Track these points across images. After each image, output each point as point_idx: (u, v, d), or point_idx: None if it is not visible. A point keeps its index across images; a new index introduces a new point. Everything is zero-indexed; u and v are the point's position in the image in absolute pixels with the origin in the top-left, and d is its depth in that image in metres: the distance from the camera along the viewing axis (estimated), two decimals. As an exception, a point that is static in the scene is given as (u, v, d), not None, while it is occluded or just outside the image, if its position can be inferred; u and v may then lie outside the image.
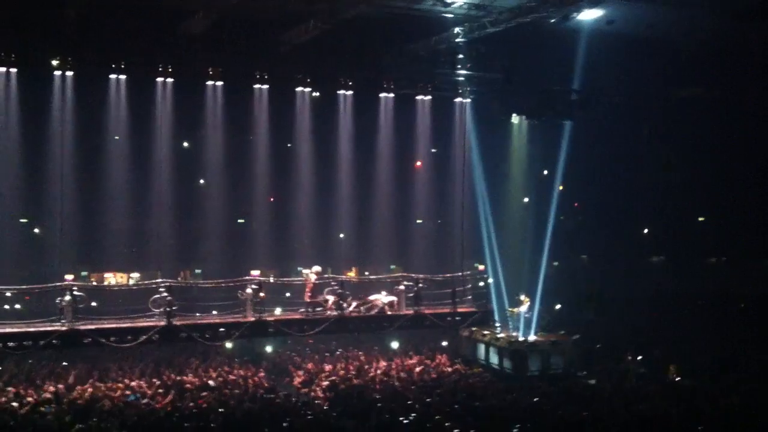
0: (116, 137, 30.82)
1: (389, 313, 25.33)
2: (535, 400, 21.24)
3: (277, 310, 24.70)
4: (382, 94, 30.77)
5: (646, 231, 32.05)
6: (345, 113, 32.64)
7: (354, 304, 25.01)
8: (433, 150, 35.35)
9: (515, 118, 31.07)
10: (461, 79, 29.13)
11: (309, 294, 24.39)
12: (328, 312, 24.45)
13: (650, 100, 29.54)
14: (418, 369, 25.60)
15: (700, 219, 30.66)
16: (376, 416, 18.87)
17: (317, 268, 25.05)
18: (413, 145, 34.57)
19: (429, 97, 31.40)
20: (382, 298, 25.43)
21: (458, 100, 31.20)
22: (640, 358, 26.43)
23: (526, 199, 30.53)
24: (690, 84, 29.32)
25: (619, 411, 19.69)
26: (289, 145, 33.99)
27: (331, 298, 24.58)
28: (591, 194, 31.52)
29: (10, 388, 21.88)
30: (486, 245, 30.32)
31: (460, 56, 27.31)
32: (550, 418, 18.99)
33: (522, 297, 27.38)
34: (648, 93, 29.36)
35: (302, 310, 24.55)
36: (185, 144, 32.08)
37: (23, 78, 26.49)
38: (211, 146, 32.42)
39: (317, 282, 24.66)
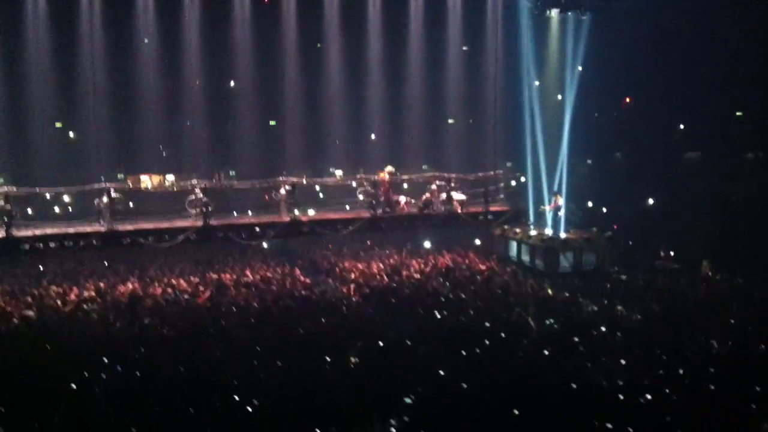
0: (145, 40, 30.73)
1: (460, 211, 25.12)
2: (566, 295, 21.44)
3: (311, 211, 24.86)
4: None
5: (682, 127, 31.48)
6: (374, 11, 32.11)
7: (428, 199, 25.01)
8: (464, 48, 34.78)
9: (551, 12, 30.23)
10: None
11: (384, 193, 24.28)
12: (402, 211, 24.47)
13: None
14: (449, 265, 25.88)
15: (738, 114, 29.96)
16: (411, 313, 19.21)
17: (390, 168, 24.94)
18: (444, 41, 34.06)
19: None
20: (456, 196, 25.34)
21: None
22: (672, 254, 26.48)
23: (559, 97, 29.99)
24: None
25: (651, 306, 19.85)
26: (318, 45, 33.62)
27: (403, 199, 24.60)
28: (627, 90, 30.89)
29: (53, 287, 22.51)
30: (519, 144, 30.07)
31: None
32: (582, 313, 19.20)
33: (555, 195, 27.29)
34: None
35: (372, 209, 24.44)
36: (214, 45, 31.81)
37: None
38: (240, 47, 32.23)
39: (391, 181, 24.51)
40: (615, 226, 27.01)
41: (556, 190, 27.45)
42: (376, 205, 23.83)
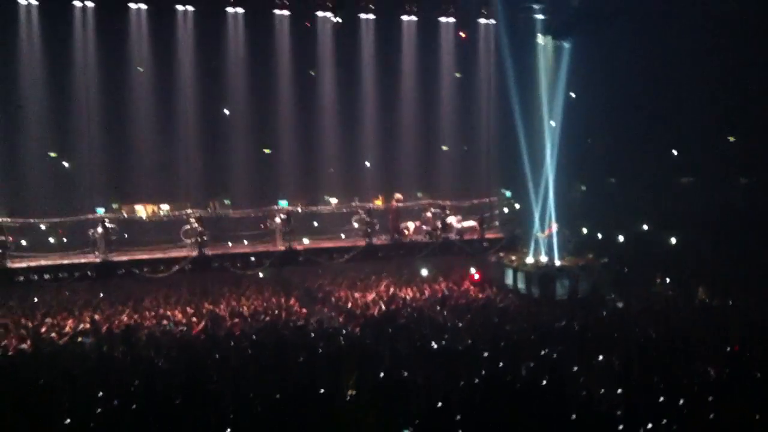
0: (139, 68, 30.84)
1: (465, 237, 24.92)
2: (563, 323, 21.37)
3: (305, 240, 24.79)
4: (405, 17, 30.28)
5: (675, 152, 31.61)
6: (367, 38, 32.32)
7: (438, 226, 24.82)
8: (457, 74, 34.97)
9: (541, 39, 30.43)
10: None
11: (392, 220, 24.19)
12: (409, 239, 24.32)
13: (682, 16, 28.68)
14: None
15: (731, 139, 30.10)
16: (408, 341, 19.11)
17: (399, 195, 24.88)
18: (437, 69, 34.27)
19: (452, 20, 30.85)
20: (464, 223, 25.20)
21: (483, 21, 30.60)
22: (669, 280, 26.46)
23: (552, 123, 30.11)
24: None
25: (648, 332, 19.80)
26: (312, 72, 33.77)
27: (412, 226, 24.53)
28: (619, 115, 31.02)
29: (48, 319, 22.37)
30: (513, 170, 30.11)
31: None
32: (579, 340, 19.12)
33: (550, 222, 27.33)
34: (680, 9, 28.48)
35: (384, 237, 24.26)
36: (208, 73, 31.93)
37: (45, 11, 26.44)
38: (233, 75, 32.37)
39: (399, 208, 24.39)
40: (605, 260, 27.03)
41: (552, 216, 27.49)
42: (372, 233, 23.76)
